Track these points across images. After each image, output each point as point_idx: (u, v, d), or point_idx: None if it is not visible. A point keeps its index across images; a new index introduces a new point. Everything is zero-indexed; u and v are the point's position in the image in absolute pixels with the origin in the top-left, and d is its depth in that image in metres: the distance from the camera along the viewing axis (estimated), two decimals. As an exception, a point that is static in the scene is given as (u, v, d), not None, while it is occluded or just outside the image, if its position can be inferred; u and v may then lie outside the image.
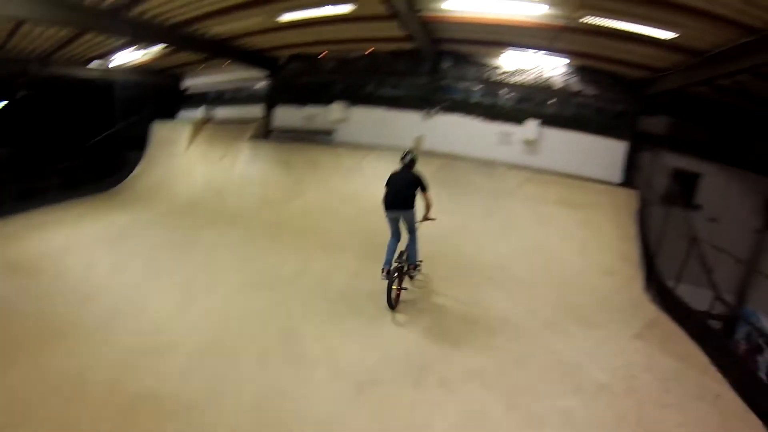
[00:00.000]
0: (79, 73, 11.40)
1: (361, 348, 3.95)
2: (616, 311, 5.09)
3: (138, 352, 3.75)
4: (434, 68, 8.79)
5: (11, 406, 3.03)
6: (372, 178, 7.87)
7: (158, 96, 13.83)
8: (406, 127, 9.14)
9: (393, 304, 4.54)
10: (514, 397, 3.35)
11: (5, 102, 11.64)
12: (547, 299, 5.26)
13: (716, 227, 7.92)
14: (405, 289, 4.80)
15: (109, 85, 13.15)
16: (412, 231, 4.94)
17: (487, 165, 7.84)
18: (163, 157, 11.56)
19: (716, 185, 8.06)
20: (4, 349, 3.69)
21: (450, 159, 7.97)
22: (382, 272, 4.58)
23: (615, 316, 4.93)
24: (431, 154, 8.22)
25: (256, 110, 11.57)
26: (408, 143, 8.65)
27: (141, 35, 7.70)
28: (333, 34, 8.22)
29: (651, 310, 5.19)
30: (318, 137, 10.19)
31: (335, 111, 9.76)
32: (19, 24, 7.71)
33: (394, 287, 4.52)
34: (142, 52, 10.00)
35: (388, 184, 4.77)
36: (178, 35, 8.10)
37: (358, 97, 9.80)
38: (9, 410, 2.99)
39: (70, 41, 9.07)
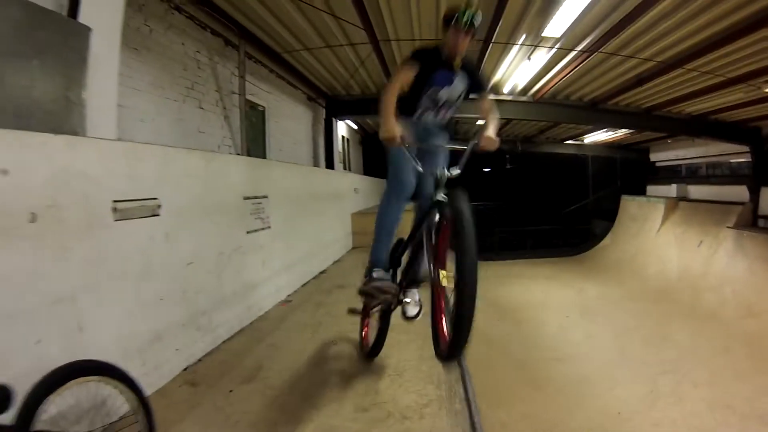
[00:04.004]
0: (556, 149, 14.39)
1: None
2: None
3: (604, 426, 3.95)
4: None
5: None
6: None
7: (626, 169, 14.75)
8: None
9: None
10: None
11: (490, 168, 15.48)
12: None
13: None
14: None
15: (582, 159, 15.26)
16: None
17: None
18: (631, 234, 11.15)
19: None
20: (498, 389, 4.40)
21: None
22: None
23: None
24: None
25: (738, 191, 9.82)
26: None
27: (616, 122, 9.04)
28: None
29: None
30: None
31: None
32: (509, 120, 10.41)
33: None
34: (613, 131, 11.59)
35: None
36: (650, 118, 8.91)
37: None
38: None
39: (549, 128, 11.92)
